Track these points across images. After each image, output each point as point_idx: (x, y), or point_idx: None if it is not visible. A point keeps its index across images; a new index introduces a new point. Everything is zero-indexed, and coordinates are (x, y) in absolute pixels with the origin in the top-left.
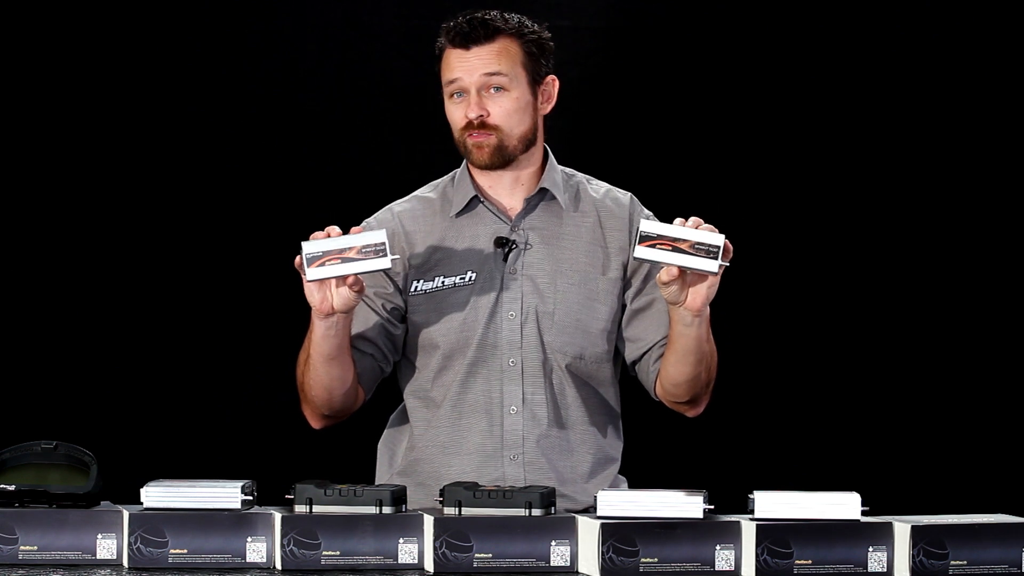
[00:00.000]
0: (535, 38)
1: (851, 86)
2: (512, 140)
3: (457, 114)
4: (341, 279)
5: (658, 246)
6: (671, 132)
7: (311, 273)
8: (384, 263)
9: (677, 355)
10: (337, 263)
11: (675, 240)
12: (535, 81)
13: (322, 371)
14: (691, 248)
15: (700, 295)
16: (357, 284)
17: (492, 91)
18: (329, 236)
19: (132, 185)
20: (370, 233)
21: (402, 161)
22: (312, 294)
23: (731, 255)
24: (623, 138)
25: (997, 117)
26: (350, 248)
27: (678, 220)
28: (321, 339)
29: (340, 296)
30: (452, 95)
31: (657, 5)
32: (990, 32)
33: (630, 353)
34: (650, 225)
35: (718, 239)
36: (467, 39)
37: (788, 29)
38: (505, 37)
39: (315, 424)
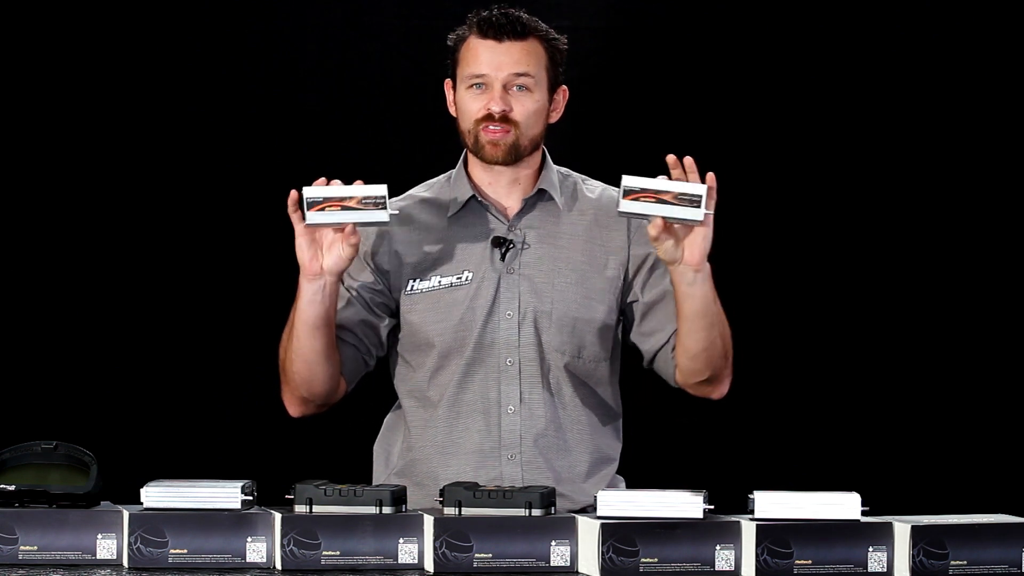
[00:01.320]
0: (558, 45)
1: (851, 86)
2: (525, 139)
3: (475, 105)
4: (338, 231)
5: (642, 199)
6: (671, 132)
7: (310, 217)
8: (383, 215)
9: (688, 322)
10: (337, 210)
11: (658, 192)
12: (552, 88)
13: (305, 342)
14: (675, 199)
15: (696, 247)
16: (354, 235)
17: (516, 89)
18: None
19: (132, 185)
20: (372, 185)
21: (402, 161)
22: (303, 250)
23: (715, 198)
24: (622, 138)
25: (997, 117)
26: (351, 197)
27: (660, 177)
28: (307, 305)
29: (332, 255)
30: (472, 85)
31: (657, 5)
32: (990, 32)
33: (648, 347)
34: (633, 179)
35: (700, 188)
36: (500, 32)
37: (788, 29)
38: (535, 38)
39: (294, 410)
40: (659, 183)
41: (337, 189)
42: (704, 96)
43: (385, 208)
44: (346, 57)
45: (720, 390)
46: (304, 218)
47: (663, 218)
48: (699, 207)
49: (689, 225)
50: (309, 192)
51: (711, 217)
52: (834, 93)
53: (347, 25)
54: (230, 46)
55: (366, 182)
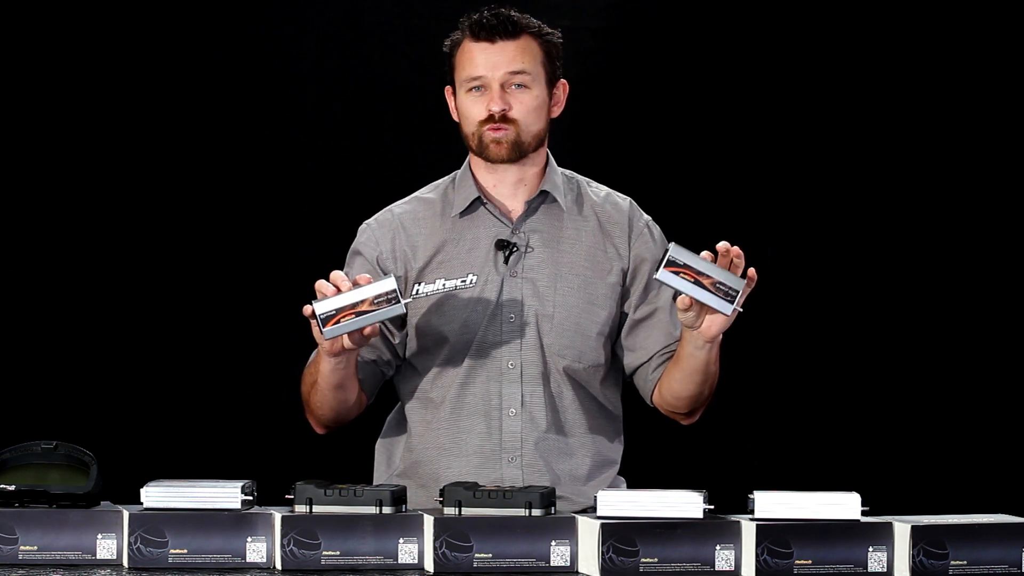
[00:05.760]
0: (552, 40)
1: (851, 86)
2: (527, 136)
3: (476, 108)
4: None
5: (681, 274)
6: (671, 133)
7: (328, 332)
8: (398, 309)
9: (683, 373)
10: (352, 318)
11: (699, 273)
12: (550, 82)
13: (330, 396)
14: (712, 286)
15: (716, 324)
16: (373, 332)
17: (514, 87)
18: (339, 290)
19: (132, 186)
20: (381, 283)
21: (402, 161)
22: (321, 338)
23: (754, 284)
24: (623, 138)
25: (997, 117)
26: (362, 301)
27: (705, 253)
28: (330, 372)
29: (351, 337)
30: (471, 89)
31: (657, 5)
32: (990, 32)
33: (630, 361)
34: (679, 252)
35: (739, 283)
36: (493, 33)
37: (788, 29)
38: (528, 35)
39: (319, 431)
40: (702, 264)
41: (347, 297)
42: (704, 96)
43: (399, 301)
44: (346, 57)
45: (691, 420)
46: (322, 333)
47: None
48: (731, 302)
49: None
50: (321, 309)
51: (736, 312)
52: (834, 93)
53: (347, 25)
54: (230, 46)
55: (365, 183)
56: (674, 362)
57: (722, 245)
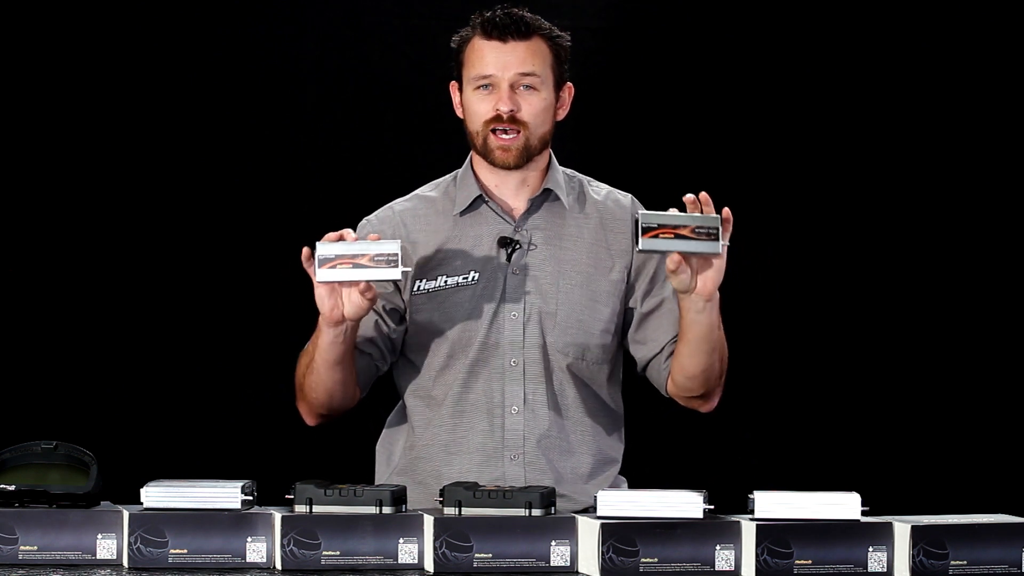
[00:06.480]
0: (561, 43)
1: (851, 86)
2: (535, 140)
3: (483, 106)
4: (352, 285)
5: (661, 235)
6: (671, 132)
7: (320, 274)
8: (395, 274)
9: (691, 346)
10: (348, 267)
11: (676, 227)
12: (557, 85)
13: (325, 376)
14: (693, 233)
15: (710, 279)
16: (369, 291)
17: (523, 89)
18: (343, 239)
19: (132, 185)
20: (385, 243)
21: (402, 161)
22: (323, 301)
23: (731, 226)
24: (623, 138)
25: (997, 117)
26: (363, 255)
27: (672, 210)
28: (328, 346)
29: (352, 304)
30: (479, 87)
31: (657, 5)
32: (990, 32)
33: (641, 355)
34: (649, 215)
35: (715, 220)
36: (505, 32)
37: (788, 29)
38: (539, 37)
39: (310, 421)
40: (675, 217)
41: (349, 246)
42: (704, 96)
43: (397, 266)
44: (346, 57)
45: (710, 406)
46: (316, 274)
47: (682, 253)
48: (717, 239)
49: (707, 257)
50: (321, 250)
51: (726, 249)
52: (834, 93)
53: (347, 25)
54: (230, 46)
55: (365, 183)
56: (680, 337)
57: (689, 196)
